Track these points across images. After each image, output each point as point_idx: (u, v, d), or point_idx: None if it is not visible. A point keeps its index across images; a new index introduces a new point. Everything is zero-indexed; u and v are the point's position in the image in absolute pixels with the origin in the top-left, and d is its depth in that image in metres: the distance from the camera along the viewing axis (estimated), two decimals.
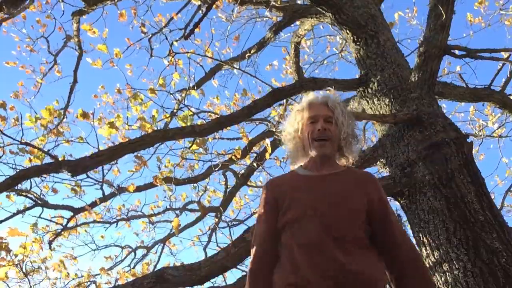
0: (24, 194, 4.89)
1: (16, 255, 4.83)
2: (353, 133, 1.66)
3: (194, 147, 4.86)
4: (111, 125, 4.28)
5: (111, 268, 6.46)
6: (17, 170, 3.17)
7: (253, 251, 1.56)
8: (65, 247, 6.49)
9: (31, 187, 4.85)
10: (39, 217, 5.09)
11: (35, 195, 4.97)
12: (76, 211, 5.12)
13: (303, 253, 1.41)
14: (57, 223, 5.45)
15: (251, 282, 1.49)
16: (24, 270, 4.81)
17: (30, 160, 4.58)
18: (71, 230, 5.93)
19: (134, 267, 6.48)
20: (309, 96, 1.71)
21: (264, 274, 1.49)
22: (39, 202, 4.97)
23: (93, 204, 5.24)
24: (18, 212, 4.78)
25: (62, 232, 5.54)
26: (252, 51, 4.90)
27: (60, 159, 3.76)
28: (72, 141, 4.95)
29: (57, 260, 6.08)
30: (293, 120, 1.69)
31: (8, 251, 4.84)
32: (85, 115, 4.74)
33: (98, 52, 5.66)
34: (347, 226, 1.46)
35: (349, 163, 1.71)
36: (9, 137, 3.41)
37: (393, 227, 1.55)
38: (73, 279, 6.09)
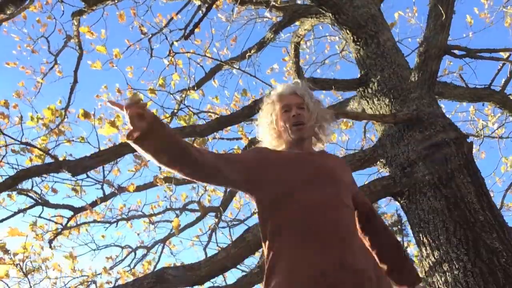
0: (24, 193, 4.90)
1: (16, 254, 4.83)
2: (323, 117, 1.74)
3: (196, 144, 4.86)
4: (112, 123, 4.28)
5: (111, 268, 6.46)
6: (18, 170, 3.17)
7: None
8: (65, 247, 6.49)
9: (32, 187, 4.85)
10: (39, 216, 5.09)
11: (35, 194, 4.97)
12: (76, 210, 5.13)
13: (315, 212, 1.43)
14: (56, 223, 5.45)
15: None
16: (24, 270, 4.81)
17: (31, 160, 4.59)
18: (72, 229, 5.93)
19: (134, 267, 6.48)
20: (278, 88, 1.77)
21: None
22: (40, 201, 4.97)
23: (94, 204, 5.24)
24: (19, 211, 4.78)
25: (62, 232, 5.54)
26: (252, 51, 4.90)
27: (60, 159, 3.76)
28: (73, 140, 4.95)
29: (57, 260, 6.09)
30: (266, 113, 1.75)
31: (6, 251, 4.85)
32: (86, 114, 4.74)
33: (98, 52, 5.66)
34: (347, 197, 1.56)
35: (323, 147, 1.82)
36: (9, 137, 3.41)
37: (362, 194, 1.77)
38: (76, 277, 6.10)
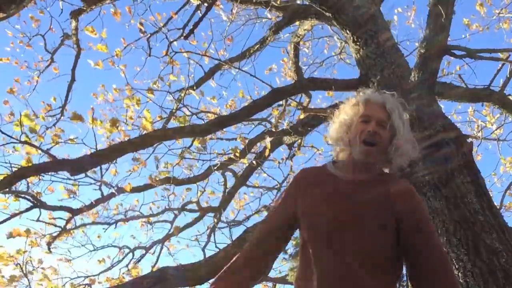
0: (22, 196, 4.86)
1: (18, 254, 4.81)
2: (408, 139, 1.54)
3: (196, 143, 4.86)
4: (113, 122, 4.26)
5: (109, 269, 6.42)
6: (16, 169, 3.15)
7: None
8: (61, 249, 6.44)
9: (28, 188, 4.81)
10: (38, 220, 5.04)
11: (32, 196, 4.92)
12: (75, 212, 5.09)
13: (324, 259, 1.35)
14: (55, 225, 5.40)
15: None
16: (25, 271, 4.79)
17: (28, 160, 4.55)
18: (70, 232, 5.88)
19: (132, 268, 6.44)
20: (367, 93, 1.60)
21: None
22: (37, 203, 4.93)
23: (91, 206, 5.20)
24: (15, 214, 4.72)
25: (61, 234, 5.50)
26: (252, 50, 4.89)
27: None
28: (65, 142, 4.91)
29: (53, 262, 6.03)
30: (346, 113, 1.58)
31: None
32: (78, 117, 4.70)
33: (95, 51, 5.64)
34: (369, 245, 1.33)
35: (393, 169, 1.60)
36: (9, 136, 3.39)
37: (425, 247, 1.34)
38: (70, 279, 6.06)
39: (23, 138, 4.00)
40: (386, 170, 1.59)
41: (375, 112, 1.51)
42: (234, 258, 1.52)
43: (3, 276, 5.12)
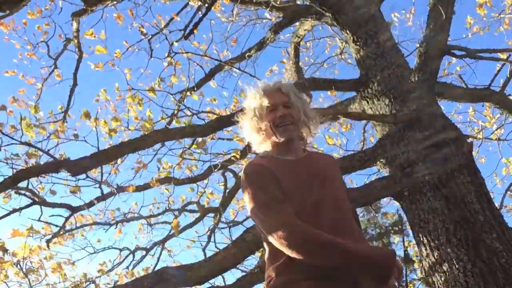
0: (22, 193, 4.86)
1: (15, 255, 4.82)
2: (308, 114, 1.68)
3: (195, 146, 4.86)
4: (112, 130, 4.28)
5: (110, 270, 6.42)
6: (17, 170, 3.16)
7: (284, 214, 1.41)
8: (62, 254, 6.42)
9: (28, 185, 4.80)
10: (39, 220, 5.04)
11: (32, 193, 4.92)
12: (74, 209, 5.07)
13: (312, 213, 1.43)
14: (56, 225, 5.40)
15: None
16: (24, 270, 4.79)
17: (26, 163, 4.57)
18: (69, 235, 5.87)
19: (132, 269, 6.43)
20: (261, 84, 1.70)
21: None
22: (37, 200, 4.92)
23: (91, 204, 5.19)
24: (15, 210, 4.72)
25: (60, 232, 5.49)
26: (252, 51, 4.90)
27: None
28: (69, 139, 4.91)
29: (55, 263, 6.03)
30: (249, 109, 1.66)
31: (5, 250, 4.83)
32: (87, 115, 4.74)
33: (97, 54, 5.65)
34: (343, 196, 1.58)
35: (306, 145, 1.75)
36: (10, 137, 3.40)
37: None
38: (71, 281, 6.06)
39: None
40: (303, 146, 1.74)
41: (276, 98, 1.62)
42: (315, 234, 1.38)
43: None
